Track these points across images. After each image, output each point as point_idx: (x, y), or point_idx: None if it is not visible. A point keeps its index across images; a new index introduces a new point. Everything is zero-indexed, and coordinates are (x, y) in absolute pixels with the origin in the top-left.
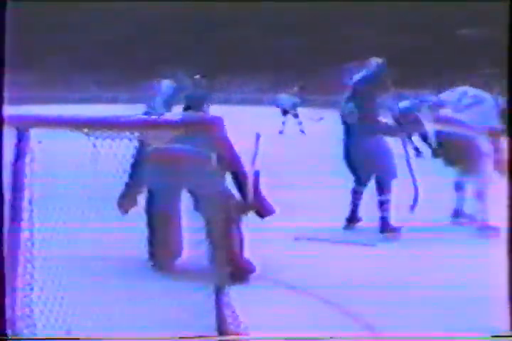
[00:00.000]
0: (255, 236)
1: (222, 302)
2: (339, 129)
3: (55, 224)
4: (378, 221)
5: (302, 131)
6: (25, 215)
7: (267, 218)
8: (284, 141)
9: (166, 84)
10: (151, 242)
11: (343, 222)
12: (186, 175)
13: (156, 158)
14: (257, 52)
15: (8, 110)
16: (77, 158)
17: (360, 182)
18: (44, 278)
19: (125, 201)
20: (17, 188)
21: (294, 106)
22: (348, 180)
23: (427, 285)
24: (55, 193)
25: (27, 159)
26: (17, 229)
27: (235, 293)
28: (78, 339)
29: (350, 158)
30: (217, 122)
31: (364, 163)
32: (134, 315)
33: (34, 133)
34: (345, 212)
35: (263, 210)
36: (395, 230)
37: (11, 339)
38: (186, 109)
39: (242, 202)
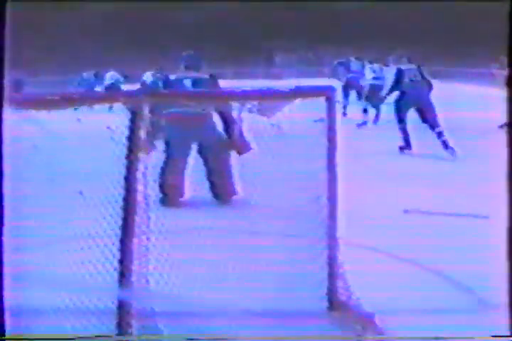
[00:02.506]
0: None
1: (335, 272)
2: None
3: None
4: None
5: None
6: (140, 187)
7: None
8: None
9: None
10: (163, 183)
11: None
12: (196, 130)
13: (173, 117)
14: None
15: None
16: None
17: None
18: (159, 250)
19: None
20: (131, 162)
21: None
22: None
23: None
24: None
25: (142, 133)
26: (132, 201)
27: (348, 265)
28: (80, 338)
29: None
30: None
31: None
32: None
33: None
34: None
35: (242, 148)
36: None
37: (10, 339)
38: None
39: (229, 141)
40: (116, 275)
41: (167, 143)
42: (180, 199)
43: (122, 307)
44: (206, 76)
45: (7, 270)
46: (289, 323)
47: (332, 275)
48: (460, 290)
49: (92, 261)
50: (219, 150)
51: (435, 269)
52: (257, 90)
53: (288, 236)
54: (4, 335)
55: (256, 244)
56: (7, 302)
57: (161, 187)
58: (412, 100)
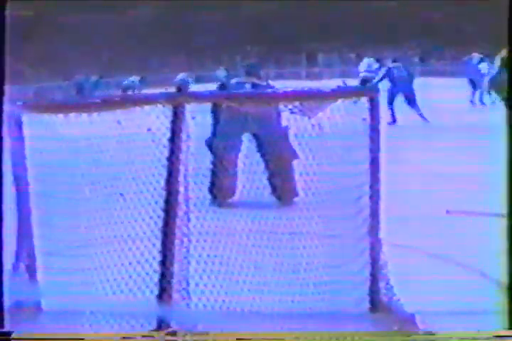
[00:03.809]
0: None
1: (377, 273)
2: None
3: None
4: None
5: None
6: (181, 189)
7: None
8: None
9: None
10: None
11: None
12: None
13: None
14: None
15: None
16: None
17: None
18: (200, 252)
19: None
20: (173, 164)
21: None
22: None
23: None
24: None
25: (183, 135)
26: (173, 203)
27: (391, 265)
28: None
29: None
30: None
31: None
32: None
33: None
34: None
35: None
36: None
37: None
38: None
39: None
40: (156, 277)
41: (215, 135)
42: (230, 200)
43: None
44: (264, 83)
45: (44, 272)
46: (329, 324)
47: (374, 276)
48: (503, 291)
49: (132, 263)
50: (281, 146)
51: (479, 270)
52: (298, 91)
53: (330, 236)
54: (10, 335)
55: (297, 244)
56: (46, 302)
57: (210, 186)
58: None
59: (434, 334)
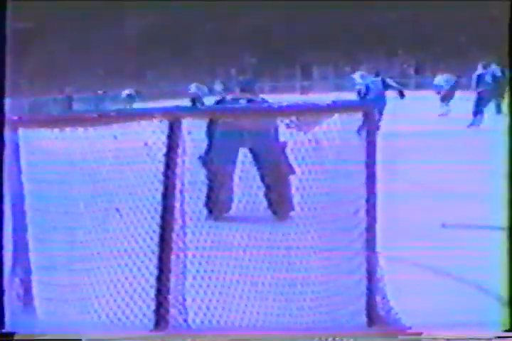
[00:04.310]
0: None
1: (374, 286)
2: None
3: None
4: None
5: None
6: (177, 204)
7: None
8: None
9: None
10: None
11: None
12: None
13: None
14: None
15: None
16: None
17: None
18: (196, 267)
19: None
20: (169, 178)
21: None
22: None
23: None
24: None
25: (179, 150)
26: (169, 217)
27: (387, 278)
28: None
29: None
30: None
31: None
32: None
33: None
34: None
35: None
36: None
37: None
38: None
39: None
40: (152, 292)
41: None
42: (225, 214)
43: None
44: (259, 98)
45: (39, 287)
46: (326, 338)
47: (371, 289)
48: (501, 304)
49: (128, 278)
50: (278, 161)
51: (475, 283)
52: (294, 105)
53: (326, 250)
54: (13, 336)
55: (293, 259)
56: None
57: (206, 201)
58: None
59: (435, 337)
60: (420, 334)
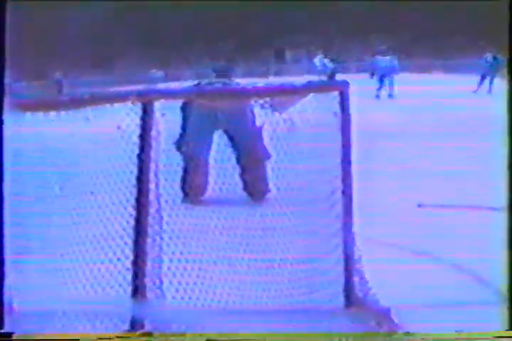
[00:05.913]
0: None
1: (352, 268)
2: None
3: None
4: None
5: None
6: (152, 187)
7: None
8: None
9: None
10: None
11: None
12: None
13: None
14: None
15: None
16: None
17: None
18: (173, 250)
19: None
20: (143, 161)
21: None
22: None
23: None
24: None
25: (153, 132)
26: (145, 200)
27: (365, 260)
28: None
29: None
30: None
31: None
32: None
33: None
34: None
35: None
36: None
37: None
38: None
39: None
40: (129, 275)
41: (185, 130)
42: (201, 197)
43: (136, 308)
44: (234, 82)
45: (15, 272)
46: (304, 320)
47: (348, 271)
48: (477, 283)
49: (105, 261)
50: (253, 143)
51: (451, 263)
52: (269, 86)
53: (302, 231)
54: (11, 336)
55: (270, 240)
56: (15, 303)
57: (182, 184)
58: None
59: (435, 335)
60: (420, 334)
